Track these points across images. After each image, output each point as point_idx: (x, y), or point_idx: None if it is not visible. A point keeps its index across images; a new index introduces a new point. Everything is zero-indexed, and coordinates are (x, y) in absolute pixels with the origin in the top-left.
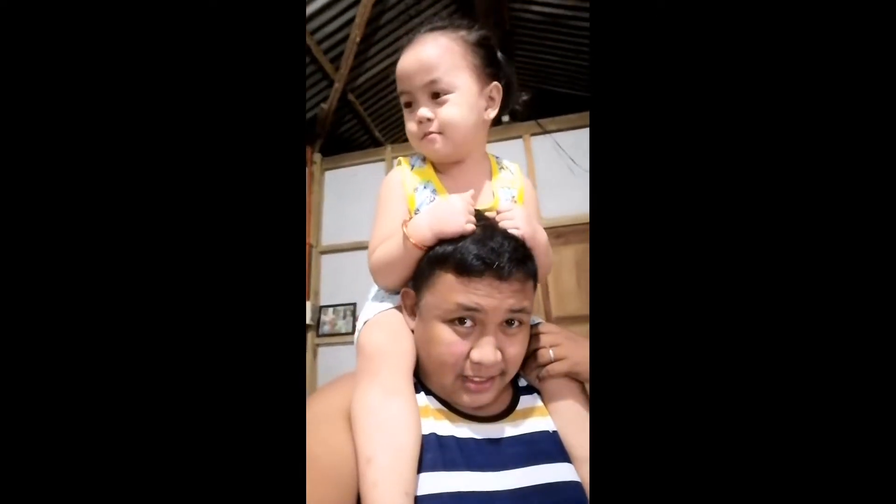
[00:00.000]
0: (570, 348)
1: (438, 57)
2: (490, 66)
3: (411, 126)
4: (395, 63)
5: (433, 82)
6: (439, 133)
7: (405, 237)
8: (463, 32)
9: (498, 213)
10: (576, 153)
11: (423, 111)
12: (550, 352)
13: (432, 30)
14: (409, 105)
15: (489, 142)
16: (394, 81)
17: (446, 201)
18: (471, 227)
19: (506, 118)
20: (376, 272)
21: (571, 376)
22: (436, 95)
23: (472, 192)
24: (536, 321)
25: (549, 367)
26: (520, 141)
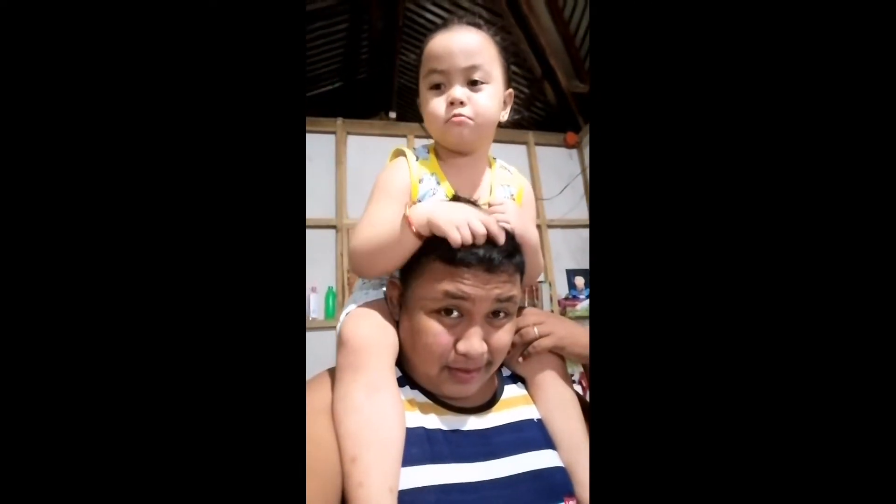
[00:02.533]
0: (553, 325)
1: (483, 46)
2: (508, 72)
3: (437, 107)
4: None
5: (474, 67)
6: (471, 119)
7: (404, 217)
8: (493, 34)
9: (490, 205)
10: None
11: (459, 92)
12: (535, 329)
13: (468, 24)
14: (438, 87)
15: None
16: None
17: (460, 205)
18: (456, 237)
19: (393, 115)
20: (360, 255)
21: (557, 351)
22: (472, 83)
23: (492, 218)
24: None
25: (535, 343)
26: (404, 140)
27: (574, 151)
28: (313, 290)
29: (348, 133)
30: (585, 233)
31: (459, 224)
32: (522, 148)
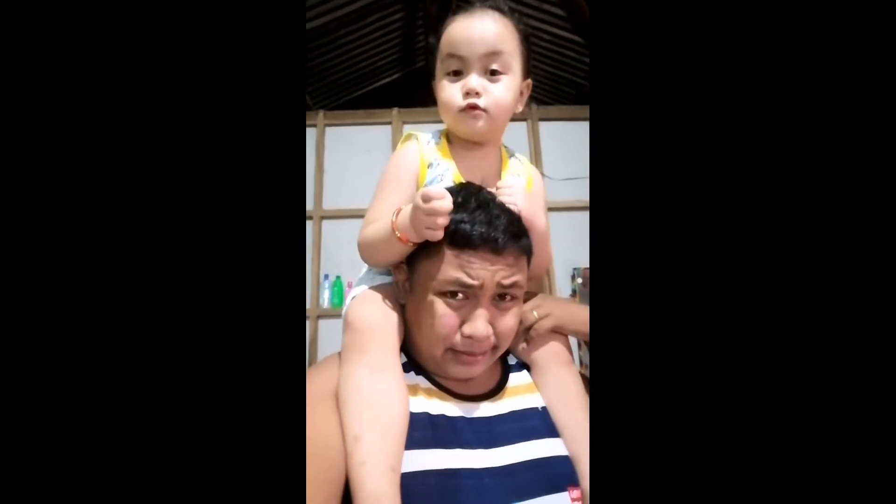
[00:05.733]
0: (550, 305)
1: (504, 35)
2: (528, 62)
3: (453, 95)
4: None
5: (495, 55)
6: (485, 111)
7: (392, 227)
8: (516, 21)
9: (498, 187)
10: (516, 145)
11: (476, 82)
12: (534, 312)
13: (491, 7)
14: (456, 73)
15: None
16: None
17: (407, 208)
18: (435, 235)
19: None
20: (365, 247)
21: (557, 330)
22: (491, 72)
23: (447, 196)
24: None
25: (535, 326)
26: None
27: None
28: (350, 284)
29: (404, 122)
30: None
31: (427, 223)
32: None
